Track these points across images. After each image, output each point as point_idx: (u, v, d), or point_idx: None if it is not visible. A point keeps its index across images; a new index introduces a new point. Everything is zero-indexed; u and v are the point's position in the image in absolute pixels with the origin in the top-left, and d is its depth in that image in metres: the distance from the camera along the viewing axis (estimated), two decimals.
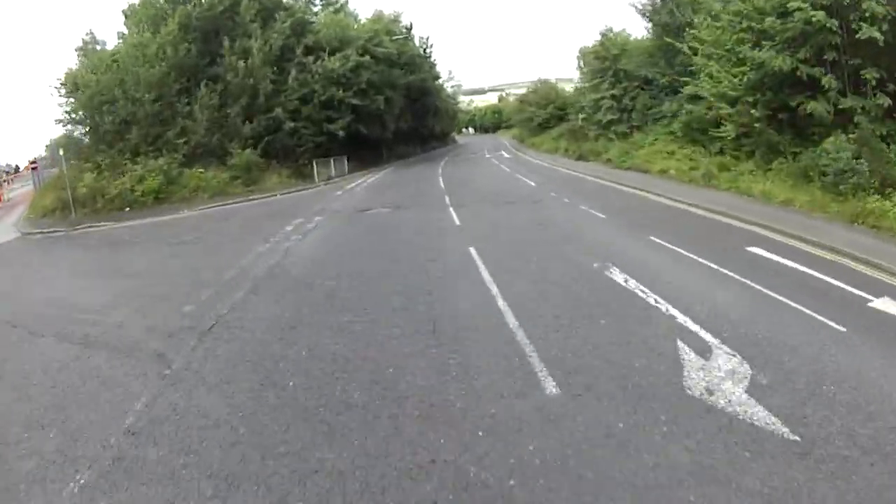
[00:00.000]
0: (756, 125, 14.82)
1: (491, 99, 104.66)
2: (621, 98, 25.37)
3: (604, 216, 12.17)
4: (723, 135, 15.72)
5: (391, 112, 32.82)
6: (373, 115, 30.17)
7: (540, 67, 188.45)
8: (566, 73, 47.00)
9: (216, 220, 15.29)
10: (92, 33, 25.23)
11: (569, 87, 45.69)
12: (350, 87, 27.41)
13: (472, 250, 9.16)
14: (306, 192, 21.69)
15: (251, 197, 19.98)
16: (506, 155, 39.65)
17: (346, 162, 28.55)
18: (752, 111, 14.64)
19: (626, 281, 7.08)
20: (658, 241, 9.34)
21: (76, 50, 23.96)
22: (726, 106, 15.67)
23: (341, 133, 26.70)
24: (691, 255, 8.27)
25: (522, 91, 62.89)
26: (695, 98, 18.11)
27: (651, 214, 12.56)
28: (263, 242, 11.06)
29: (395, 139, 37.27)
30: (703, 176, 15.68)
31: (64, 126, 22.68)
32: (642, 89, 24.25)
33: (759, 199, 13.28)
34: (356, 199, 17.87)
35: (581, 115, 30.13)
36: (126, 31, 25.70)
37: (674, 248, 8.82)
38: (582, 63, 32.20)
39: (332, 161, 26.84)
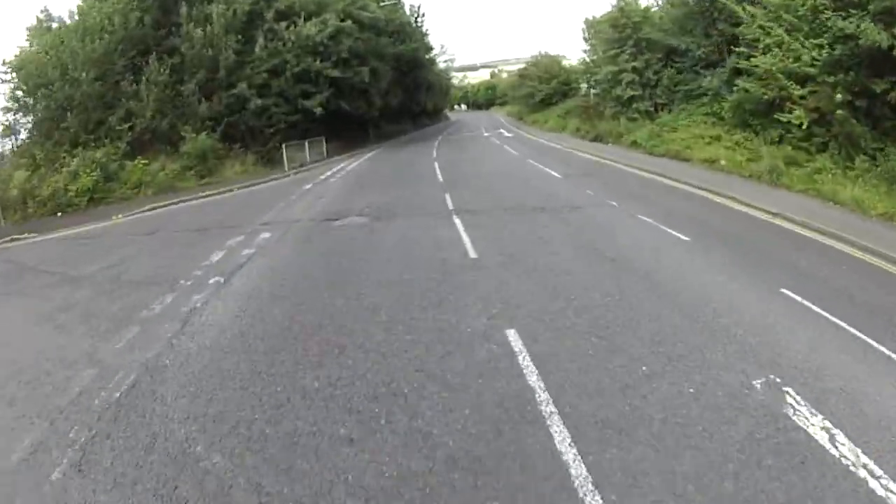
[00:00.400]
0: (838, 112, 11.69)
1: (483, 75, 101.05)
2: (643, 71, 21.95)
3: (686, 238, 8.60)
4: (793, 121, 12.51)
5: (378, 86, 28.97)
6: (356, 90, 26.43)
7: (533, 44, 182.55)
8: (560, 50, 43.78)
9: (139, 235, 11.60)
10: (47, 10, 21.36)
11: (565, 64, 42.38)
12: (329, 57, 23.64)
13: (512, 337, 5.22)
14: (270, 185, 18.13)
15: (202, 193, 16.41)
16: (506, 133, 36.19)
17: (324, 144, 24.89)
18: (837, 95, 11.49)
19: (831, 438, 3.68)
20: (796, 298, 6.07)
21: (27, 29, 20.46)
22: (796, 86, 12.48)
23: (319, 110, 22.95)
24: (864, 338, 5.11)
25: (515, 67, 59.14)
26: (742, 73, 14.90)
27: (741, 233, 9.25)
28: (169, 291, 7.38)
29: (382, 116, 33.45)
30: (768, 171, 12.49)
31: (14, 114, 18.96)
32: (673, 61, 20.76)
33: (850, 209, 10.34)
34: (326, 199, 14.24)
35: (594, 91, 26.63)
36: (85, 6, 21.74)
37: (826, 315, 5.61)
38: (588, 34, 28.55)
39: (306, 144, 23.10)
